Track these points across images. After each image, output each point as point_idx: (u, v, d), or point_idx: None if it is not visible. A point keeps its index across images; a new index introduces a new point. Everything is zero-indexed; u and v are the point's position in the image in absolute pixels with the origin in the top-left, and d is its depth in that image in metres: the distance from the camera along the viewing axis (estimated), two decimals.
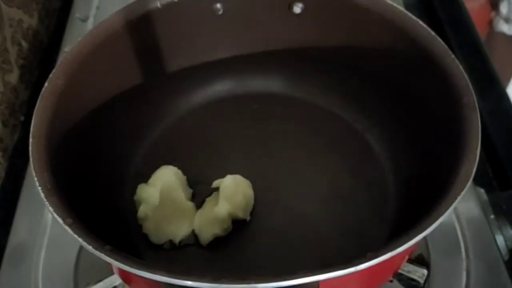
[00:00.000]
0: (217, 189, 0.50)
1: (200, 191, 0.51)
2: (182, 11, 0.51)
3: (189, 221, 0.48)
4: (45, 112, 0.41)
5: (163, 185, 0.49)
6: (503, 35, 1.02)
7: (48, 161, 0.38)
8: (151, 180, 0.50)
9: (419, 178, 0.46)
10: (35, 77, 0.69)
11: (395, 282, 0.46)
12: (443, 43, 0.45)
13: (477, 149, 0.37)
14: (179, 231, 0.47)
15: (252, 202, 0.49)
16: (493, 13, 1.03)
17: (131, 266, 0.31)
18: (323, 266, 0.31)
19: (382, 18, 0.48)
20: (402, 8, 0.48)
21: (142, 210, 0.48)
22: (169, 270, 0.31)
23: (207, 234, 0.47)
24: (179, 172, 0.51)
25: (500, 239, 0.50)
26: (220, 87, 0.59)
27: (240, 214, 0.48)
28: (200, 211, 0.49)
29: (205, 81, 0.58)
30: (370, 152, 0.53)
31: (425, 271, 0.46)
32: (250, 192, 0.49)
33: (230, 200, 0.47)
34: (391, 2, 0.48)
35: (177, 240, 0.47)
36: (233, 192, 0.47)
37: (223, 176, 0.50)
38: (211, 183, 0.51)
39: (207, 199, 0.50)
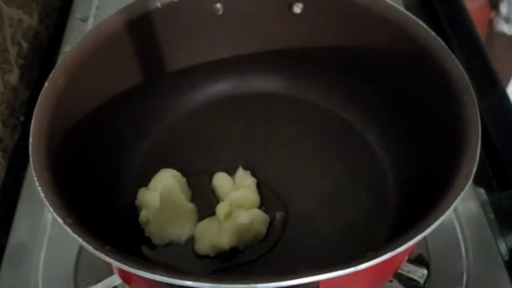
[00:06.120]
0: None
1: (200, 192, 0.51)
2: (182, 11, 0.51)
3: (191, 222, 0.48)
4: (45, 112, 0.41)
5: (163, 188, 0.48)
6: (503, 35, 1.02)
7: (48, 161, 0.38)
8: (151, 184, 0.50)
9: (419, 178, 0.46)
10: (35, 77, 0.69)
11: (395, 282, 0.46)
12: (443, 43, 0.45)
13: (477, 149, 0.37)
14: (182, 233, 0.48)
15: (261, 239, 0.48)
16: (493, 13, 1.04)
17: (131, 266, 0.31)
18: (323, 266, 0.31)
19: (382, 18, 0.48)
20: (402, 8, 0.48)
21: (143, 215, 0.48)
22: (169, 270, 0.31)
23: (203, 248, 0.46)
24: (178, 174, 0.51)
25: (500, 239, 0.50)
26: (220, 87, 0.59)
27: (241, 247, 0.47)
28: (207, 220, 0.48)
29: (205, 81, 0.58)
30: (370, 152, 0.53)
31: (425, 271, 0.46)
32: (263, 231, 0.48)
33: (240, 236, 0.46)
34: (391, 2, 0.48)
35: (181, 241, 0.48)
36: (246, 229, 0.46)
37: (221, 176, 0.50)
38: (210, 184, 0.51)
39: (220, 209, 0.47)
